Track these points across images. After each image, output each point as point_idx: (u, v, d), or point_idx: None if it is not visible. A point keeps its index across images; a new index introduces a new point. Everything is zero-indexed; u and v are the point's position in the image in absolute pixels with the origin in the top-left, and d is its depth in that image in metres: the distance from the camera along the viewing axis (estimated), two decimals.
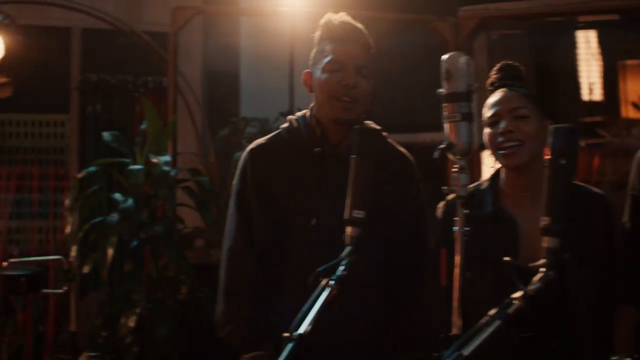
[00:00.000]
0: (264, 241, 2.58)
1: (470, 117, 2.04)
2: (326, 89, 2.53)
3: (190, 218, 5.10)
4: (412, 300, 2.59)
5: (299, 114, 2.68)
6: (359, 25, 2.60)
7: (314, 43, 2.62)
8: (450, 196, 2.01)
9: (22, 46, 4.97)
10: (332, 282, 1.98)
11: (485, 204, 2.52)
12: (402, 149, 2.71)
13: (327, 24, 2.58)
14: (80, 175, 4.70)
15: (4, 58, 4.86)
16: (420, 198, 2.67)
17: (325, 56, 2.54)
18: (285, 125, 2.68)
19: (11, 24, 4.80)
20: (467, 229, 1.97)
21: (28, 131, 6.23)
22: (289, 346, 1.86)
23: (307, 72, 2.63)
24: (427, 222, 2.66)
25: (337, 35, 2.55)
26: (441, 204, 2.50)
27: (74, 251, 4.58)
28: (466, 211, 1.98)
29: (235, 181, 2.66)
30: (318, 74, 2.56)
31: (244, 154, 2.67)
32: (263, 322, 2.51)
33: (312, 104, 2.65)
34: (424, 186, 2.70)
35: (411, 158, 2.70)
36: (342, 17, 2.59)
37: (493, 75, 2.58)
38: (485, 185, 2.58)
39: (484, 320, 1.82)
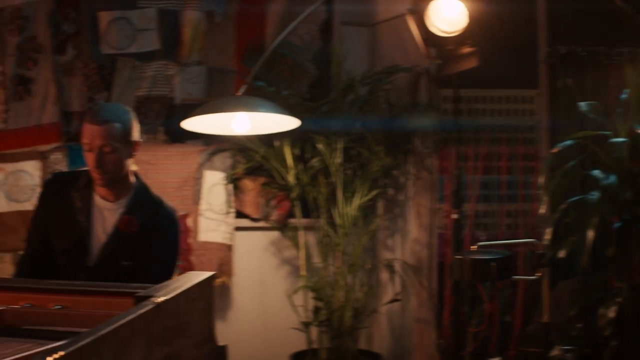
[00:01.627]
0: None
1: None
2: None
3: None
4: None
5: None
6: None
7: None
8: None
9: (486, 16, 5.01)
10: None
11: None
12: None
13: None
14: (555, 150, 4.64)
15: (468, 26, 4.93)
16: None
17: None
18: None
19: None
20: None
21: (495, 108, 6.30)
22: None
23: None
24: None
25: None
26: None
27: (548, 234, 4.53)
28: None
29: None
30: None
31: None
32: None
33: None
34: None
35: None
36: None
37: None
38: None
39: None
